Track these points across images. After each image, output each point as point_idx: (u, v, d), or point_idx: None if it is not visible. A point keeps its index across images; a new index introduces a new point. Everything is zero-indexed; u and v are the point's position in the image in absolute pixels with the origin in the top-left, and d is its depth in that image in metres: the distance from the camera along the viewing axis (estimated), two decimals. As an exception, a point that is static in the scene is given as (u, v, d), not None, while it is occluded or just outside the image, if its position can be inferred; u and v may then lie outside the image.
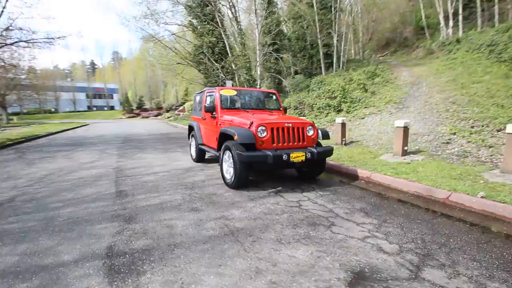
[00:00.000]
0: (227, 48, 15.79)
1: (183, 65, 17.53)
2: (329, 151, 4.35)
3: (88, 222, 2.89)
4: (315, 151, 4.10)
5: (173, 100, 46.04)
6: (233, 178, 3.96)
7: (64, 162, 6.27)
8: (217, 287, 1.85)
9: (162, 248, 2.35)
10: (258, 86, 16.36)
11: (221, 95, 5.06)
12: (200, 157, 6.03)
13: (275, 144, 3.99)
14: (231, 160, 4.12)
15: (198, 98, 6.43)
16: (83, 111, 53.38)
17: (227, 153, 4.23)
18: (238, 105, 5.23)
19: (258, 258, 2.20)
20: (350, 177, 4.85)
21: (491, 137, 5.78)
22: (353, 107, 11.32)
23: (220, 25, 15.58)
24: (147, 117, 39.32)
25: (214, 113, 5.02)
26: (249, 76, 16.05)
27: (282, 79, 18.12)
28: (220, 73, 15.68)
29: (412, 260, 2.19)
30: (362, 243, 2.47)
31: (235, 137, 3.85)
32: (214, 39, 16.05)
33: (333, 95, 11.82)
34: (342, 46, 20.65)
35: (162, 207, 3.34)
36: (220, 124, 4.80)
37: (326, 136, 4.55)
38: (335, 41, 20.41)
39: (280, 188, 4.18)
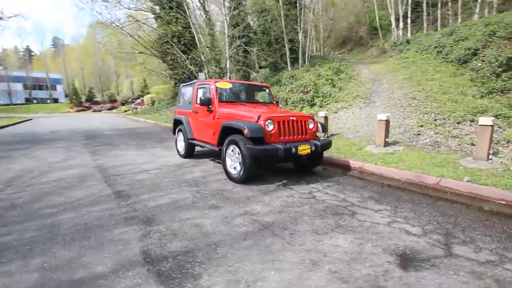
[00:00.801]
0: (196, 40, 15.20)
1: (146, 55, 16.41)
2: (329, 144, 4.53)
3: (101, 228, 2.61)
4: (319, 143, 4.23)
5: (128, 92, 42.95)
6: (241, 173, 3.89)
7: (29, 162, 5.48)
8: (283, 281, 1.84)
9: (203, 249, 2.24)
10: (228, 79, 16.15)
11: (217, 87, 4.89)
12: (190, 152, 5.78)
13: (282, 138, 4.02)
14: (237, 155, 4.04)
15: (185, 91, 6.12)
16: (21, 104, 46.64)
17: (232, 147, 4.13)
18: (233, 98, 5.11)
19: (306, 250, 2.23)
20: (343, 168, 5.11)
21: (454, 128, 6.57)
22: (325, 102, 11.84)
23: (187, 14, 14.90)
24: (99, 111, 36.13)
25: (210, 106, 4.83)
26: (219, 69, 15.72)
27: (253, 73, 18.08)
28: (189, 64, 15.05)
29: (439, 239, 2.43)
30: (390, 228, 2.65)
31: (245, 131, 3.78)
32: (180, 28, 15.32)
33: (306, 90, 12.20)
34: (308, 42, 21.34)
35: (177, 206, 3.15)
36: (218, 118, 4.65)
37: (324, 129, 4.72)
38: (300, 37, 21.00)
39: (285, 181, 4.23)
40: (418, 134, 6.76)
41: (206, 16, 15.27)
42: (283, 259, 2.10)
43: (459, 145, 5.61)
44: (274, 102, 5.56)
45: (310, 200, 3.40)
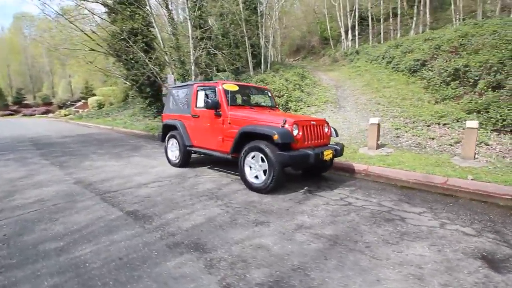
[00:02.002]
0: (159, 39, 14.15)
1: (97, 53, 14.67)
2: (343, 148, 4.53)
3: (147, 262, 2.08)
4: (338, 148, 4.19)
5: (65, 94, 37.96)
6: (268, 182, 3.60)
7: (-23, 181, 4.29)
8: (408, 304, 1.66)
9: (293, 276, 1.93)
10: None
11: (225, 90, 4.50)
12: (186, 161, 5.22)
13: (306, 143, 3.86)
14: (260, 163, 3.75)
15: (178, 93, 5.52)
16: None
17: (252, 154, 3.82)
18: (239, 101, 4.77)
19: (398, 264, 2.09)
20: (348, 171, 5.17)
21: (427, 131, 7.26)
22: (298, 106, 12.08)
23: (148, 12, 13.78)
24: (30, 115, 31.09)
25: (218, 110, 4.41)
26: (183, 71, 14.89)
27: (220, 75, 17.58)
28: (150, 65, 13.88)
29: (496, 238, 2.53)
30: (447, 230, 2.69)
31: (275, 137, 3.51)
32: (140, 25, 14.11)
33: (279, 94, 12.29)
34: (270, 47, 21.73)
35: (218, 225, 2.73)
36: (230, 123, 4.27)
37: (337, 133, 4.71)
38: (262, 43, 21.28)
39: (306, 187, 4.07)
40: (397, 137, 7.29)
41: (169, 14, 14.36)
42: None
43: (439, 146, 6.19)
44: (276, 106, 5.38)
45: (349, 207, 3.30)
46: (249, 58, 20.35)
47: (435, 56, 11.87)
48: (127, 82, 17.95)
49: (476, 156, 5.03)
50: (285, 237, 2.49)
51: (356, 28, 25.14)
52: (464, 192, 3.96)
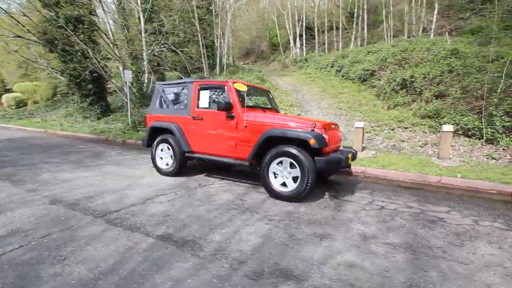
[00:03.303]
0: (109, 30, 12.44)
1: (28, 41, 12.11)
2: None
3: (244, 301, 1.65)
4: (355, 151, 4.22)
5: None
6: (302, 189, 3.37)
7: None
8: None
9: (414, 294, 1.76)
10: (145, 80, 14.07)
11: (237, 90, 4.08)
12: (181, 168, 4.58)
13: (330, 147, 3.76)
14: (289, 169, 3.50)
15: (172, 91, 4.81)
16: None
17: (278, 161, 3.54)
18: (249, 103, 4.41)
19: (485, 266, 2.13)
20: (347, 173, 5.28)
21: (394, 134, 7.99)
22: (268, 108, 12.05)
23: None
24: None
25: (231, 112, 3.97)
26: (136, 67, 13.41)
27: (181, 74, 16.40)
28: (95, 59, 12.08)
29: (527, 231, 2.83)
30: (485, 227, 2.89)
31: (312, 141, 3.29)
32: (83, 12, 12.17)
33: (246, 97, 12.06)
34: (225, 49, 21.32)
35: (283, 244, 2.39)
36: (246, 126, 3.88)
37: (345, 137, 4.74)
38: (218, 43, 20.76)
39: (326, 192, 3.96)
40: (370, 139, 7.84)
41: (120, 4, 12.78)
42: (493, 283, 1.91)
43: (412, 147, 6.86)
44: (277, 108, 5.18)
45: (386, 211, 3.31)
46: (205, 59, 19.63)
47: (383, 67, 13.29)
48: (62, 78, 15.35)
49: (451, 156, 5.72)
50: (363, 251, 2.31)
51: (304, 36, 26.66)
52: (459, 189, 4.41)
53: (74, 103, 16.18)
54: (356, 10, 23.99)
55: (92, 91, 13.61)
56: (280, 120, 3.79)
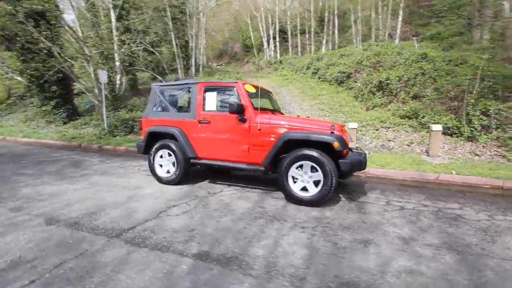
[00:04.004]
0: (78, 27, 11.40)
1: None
2: None
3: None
4: (365, 152, 4.24)
5: None
6: (325, 193, 3.28)
7: None
8: None
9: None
10: (118, 81, 13.18)
11: (248, 92, 3.89)
12: (185, 176, 4.26)
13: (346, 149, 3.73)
14: (310, 173, 3.40)
15: (172, 93, 4.45)
16: None
17: (299, 164, 3.42)
18: (256, 105, 4.23)
19: (531, 262, 2.19)
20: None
21: (380, 134, 8.31)
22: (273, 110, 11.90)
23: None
24: None
25: (242, 114, 3.77)
26: (107, 68, 12.47)
27: (153, 74, 15.59)
28: (59, 58, 11.00)
29: (538, 223, 3.02)
30: (501, 221, 3.04)
31: (336, 144, 3.22)
32: (40, 7, 11.01)
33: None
34: (201, 49, 20.77)
35: (332, 254, 2.26)
36: (260, 130, 3.70)
37: (351, 138, 4.76)
38: (193, 44, 20.19)
39: (341, 195, 3.93)
40: (359, 139, 8.06)
41: (88, 0, 11.81)
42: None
43: (400, 146, 7.17)
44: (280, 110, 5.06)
45: (407, 211, 3.34)
46: (179, 60, 18.96)
47: (359, 70, 13.85)
48: (20, 78, 13.80)
49: (440, 153, 6.05)
50: (412, 255, 2.27)
51: (277, 39, 27.00)
52: (456, 185, 4.65)
53: (34, 106, 14.62)
54: (326, 15, 24.84)
55: (57, 93, 12.41)
56: (297, 123, 3.68)
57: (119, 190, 3.99)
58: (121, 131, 9.68)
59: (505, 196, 4.08)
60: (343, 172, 3.34)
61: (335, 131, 3.46)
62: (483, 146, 6.20)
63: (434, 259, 2.21)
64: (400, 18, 19.85)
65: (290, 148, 3.52)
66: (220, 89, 4.06)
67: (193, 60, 20.09)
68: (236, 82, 3.95)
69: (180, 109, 4.38)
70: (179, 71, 19.34)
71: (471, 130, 6.57)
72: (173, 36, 18.92)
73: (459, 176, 4.84)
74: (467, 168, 5.16)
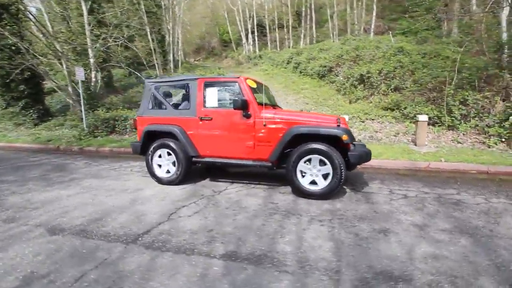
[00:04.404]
0: (47, 21, 10.56)
1: None
2: None
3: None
4: (364, 144, 4.36)
5: None
6: (335, 186, 3.33)
7: None
8: None
9: None
10: (93, 78, 12.47)
11: (251, 87, 3.82)
12: (186, 175, 4.13)
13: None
14: (319, 167, 3.43)
15: (169, 90, 4.27)
16: None
17: (307, 158, 3.43)
18: (260, 100, 4.18)
19: (535, 239, 2.37)
20: (345, 166, 5.45)
21: (366, 125, 8.57)
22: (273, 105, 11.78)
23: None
24: None
25: (247, 110, 3.70)
26: (81, 64, 11.71)
27: (130, 70, 14.89)
28: (28, 54, 10.17)
29: (528, 203, 3.28)
30: (500, 204, 3.25)
31: (345, 137, 3.27)
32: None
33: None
34: (179, 44, 20.12)
35: (357, 245, 2.30)
36: (265, 125, 3.67)
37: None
38: (170, 39, 19.54)
39: (344, 187, 4.02)
40: (347, 132, 8.26)
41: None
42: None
43: (387, 137, 7.45)
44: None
45: (411, 199, 3.48)
46: (156, 55, 18.28)
47: (340, 64, 14.15)
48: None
49: (426, 143, 6.36)
50: (431, 241, 2.37)
51: (256, 33, 26.86)
52: (446, 172, 4.93)
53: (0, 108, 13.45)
54: (304, 9, 25.05)
55: (25, 92, 11.50)
56: (303, 117, 3.69)
57: (118, 194, 3.79)
58: (102, 131, 9.19)
59: (492, 180, 4.38)
60: (352, 164, 3.41)
61: (341, 124, 3.51)
62: (464, 134, 6.61)
63: (451, 243, 2.32)
64: (374, 13, 20.46)
65: (296, 142, 3.52)
66: (221, 85, 3.96)
67: (171, 56, 19.46)
68: (239, 77, 3.86)
69: (179, 106, 4.22)
70: (156, 67, 18.67)
71: (451, 120, 6.96)
72: (148, 30, 18.20)
73: (447, 163, 5.12)
74: (453, 155, 5.48)
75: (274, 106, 4.47)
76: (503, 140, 5.85)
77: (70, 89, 11.27)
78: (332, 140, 3.43)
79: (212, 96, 3.95)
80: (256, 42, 27.10)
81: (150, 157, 4.23)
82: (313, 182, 3.49)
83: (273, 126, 3.66)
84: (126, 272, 1.94)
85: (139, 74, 14.11)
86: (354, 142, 4.06)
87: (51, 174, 5.01)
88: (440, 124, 7.31)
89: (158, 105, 4.31)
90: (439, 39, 14.85)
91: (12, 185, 4.25)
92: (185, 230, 2.61)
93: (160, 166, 4.26)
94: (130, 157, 6.80)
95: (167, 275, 1.89)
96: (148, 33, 18.43)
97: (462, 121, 6.86)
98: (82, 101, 9.25)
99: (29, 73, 11.19)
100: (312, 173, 3.48)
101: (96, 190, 3.99)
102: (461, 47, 8.04)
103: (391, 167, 5.27)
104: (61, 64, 11.65)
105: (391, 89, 10.24)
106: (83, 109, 9.30)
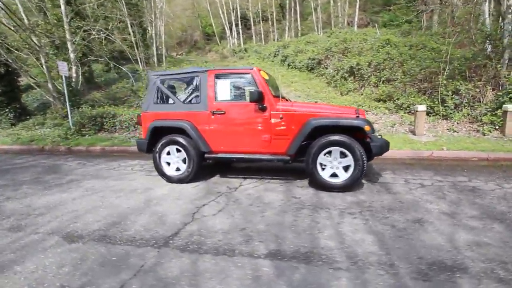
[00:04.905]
0: (22, 13, 9.74)
1: None
2: None
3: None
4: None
5: None
6: (357, 177, 3.30)
7: None
8: None
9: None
10: (74, 74, 11.77)
11: (265, 79, 3.69)
12: (197, 172, 3.96)
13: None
14: (339, 159, 3.38)
15: (175, 83, 4.02)
16: None
17: (328, 150, 3.37)
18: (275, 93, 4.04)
19: (562, 221, 2.46)
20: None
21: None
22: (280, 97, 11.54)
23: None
24: None
25: (262, 103, 3.57)
26: (62, 59, 10.98)
27: (115, 66, 14.19)
28: (2, 48, 9.40)
29: (538, 187, 3.42)
30: None
31: (367, 128, 3.24)
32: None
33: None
34: (163, 38, 19.38)
35: (399, 237, 2.28)
36: (282, 117, 3.56)
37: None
38: (153, 31, 18.80)
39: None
40: (344, 124, 8.32)
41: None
42: None
43: (384, 128, 7.57)
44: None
45: (428, 188, 3.53)
46: (139, 49, 17.53)
47: (329, 56, 14.21)
48: None
49: (425, 132, 6.52)
50: (467, 228, 2.39)
51: (240, 26, 26.43)
52: (449, 160, 5.07)
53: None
54: (287, 1, 24.90)
55: (0, 90, 10.66)
56: (321, 109, 3.62)
57: (128, 194, 3.56)
58: (90, 130, 8.69)
59: (494, 166, 4.54)
60: (374, 154, 3.38)
61: (359, 115, 3.47)
62: (457, 123, 6.84)
63: (487, 230, 2.35)
64: (357, 6, 20.69)
65: (313, 135, 3.45)
66: (233, 77, 3.79)
67: (154, 49, 18.75)
68: (252, 68, 3.72)
69: (187, 100, 4.01)
70: (139, 61, 17.92)
71: (445, 109, 7.18)
72: (129, 22, 17.40)
73: (449, 152, 5.27)
74: (453, 143, 5.65)
75: (283, 98, 4.36)
76: (497, 127, 6.10)
77: (50, 85, 10.55)
78: (351, 132, 3.39)
79: (224, 89, 3.78)
80: (241, 35, 26.70)
81: (158, 155, 4.00)
82: (334, 175, 3.44)
83: (290, 118, 3.56)
84: (170, 278, 1.79)
85: (125, 70, 13.47)
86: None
87: (44, 176, 4.65)
88: (434, 114, 7.52)
89: (164, 99, 4.07)
90: (421, 31, 15.28)
91: (5, 190, 3.89)
92: (216, 230, 2.47)
93: (168, 164, 4.05)
94: (126, 155, 6.48)
95: (217, 280, 1.77)
96: (129, 26, 17.62)
97: (455, 110, 7.09)
98: (67, 98, 8.68)
99: (3, 69, 10.39)
100: (333, 165, 3.42)
101: (102, 191, 3.73)
102: (450, 37, 8.28)
103: (396, 156, 5.35)
104: (37, 59, 10.88)
105: (381, 81, 10.39)
106: (68, 107, 8.74)
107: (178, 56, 29.87)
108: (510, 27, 7.20)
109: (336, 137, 3.32)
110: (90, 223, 2.70)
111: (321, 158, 3.42)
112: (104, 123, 8.95)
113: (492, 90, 6.93)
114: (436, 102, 7.54)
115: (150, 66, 18.30)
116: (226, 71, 3.83)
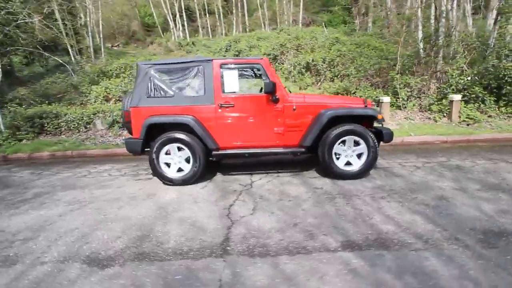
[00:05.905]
0: None
1: None
2: None
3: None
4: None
5: None
6: (371, 163, 3.47)
7: None
8: None
9: None
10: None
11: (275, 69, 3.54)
12: (203, 172, 3.63)
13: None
14: (353, 147, 3.51)
15: (173, 74, 3.53)
16: None
17: (342, 139, 3.45)
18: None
19: (542, 186, 3.00)
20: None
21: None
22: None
23: None
24: None
25: (275, 95, 3.44)
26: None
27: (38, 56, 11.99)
28: None
29: None
30: (494, 164, 3.93)
31: (380, 116, 3.41)
32: None
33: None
34: (101, 27, 17.09)
35: (438, 217, 2.46)
36: (295, 109, 3.49)
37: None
38: (89, 20, 16.49)
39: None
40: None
41: None
42: None
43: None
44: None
45: (425, 168, 3.91)
46: (69, 39, 15.19)
47: (284, 52, 14.59)
48: None
49: (389, 122, 7.22)
50: (486, 200, 2.70)
51: (184, 18, 25.14)
52: (416, 144, 5.72)
53: None
54: (233, -5, 24.65)
55: None
56: (332, 100, 3.67)
57: (131, 203, 3.05)
58: (28, 133, 7.20)
59: (456, 147, 5.29)
60: (385, 141, 3.58)
61: (367, 105, 3.64)
62: (410, 112, 7.78)
63: (498, 199, 2.72)
64: (302, 5, 21.73)
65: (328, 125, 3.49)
66: (241, 67, 3.56)
67: (90, 39, 16.51)
68: (262, 59, 3.55)
69: (189, 92, 3.60)
70: (70, 51, 15.52)
71: (398, 100, 8.09)
72: (56, 7, 14.93)
73: (416, 137, 5.96)
74: (416, 129, 6.41)
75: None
76: (445, 115, 7.14)
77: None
78: (357, 120, 3.53)
79: (232, 80, 3.51)
80: (186, 27, 25.46)
81: (155, 156, 3.52)
82: (348, 163, 3.54)
83: (304, 110, 3.52)
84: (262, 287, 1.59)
85: (61, 61, 11.52)
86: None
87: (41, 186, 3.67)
88: (391, 105, 8.39)
89: (160, 92, 3.58)
90: (359, 32, 16.87)
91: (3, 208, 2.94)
92: (267, 230, 2.29)
93: (168, 165, 3.61)
94: (88, 160, 5.58)
95: (315, 280, 1.63)
96: (56, 11, 15.16)
97: (408, 101, 8.05)
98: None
99: None
100: (347, 154, 3.52)
101: (92, 203, 3.12)
102: (387, 38, 9.35)
103: (409, 142, 5.79)
104: None
105: (336, 76, 11.14)
106: (-5, 106, 7.07)
107: (114, 47, 26.95)
108: (443, 29, 8.48)
109: (351, 127, 3.41)
110: (109, 241, 2.22)
111: (336, 148, 3.49)
112: (45, 125, 7.52)
113: (437, 82, 8.08)
114: (391, 95, 8.43)
115: (84, 56, 16.01)
116: (233, 61, 3.58)
